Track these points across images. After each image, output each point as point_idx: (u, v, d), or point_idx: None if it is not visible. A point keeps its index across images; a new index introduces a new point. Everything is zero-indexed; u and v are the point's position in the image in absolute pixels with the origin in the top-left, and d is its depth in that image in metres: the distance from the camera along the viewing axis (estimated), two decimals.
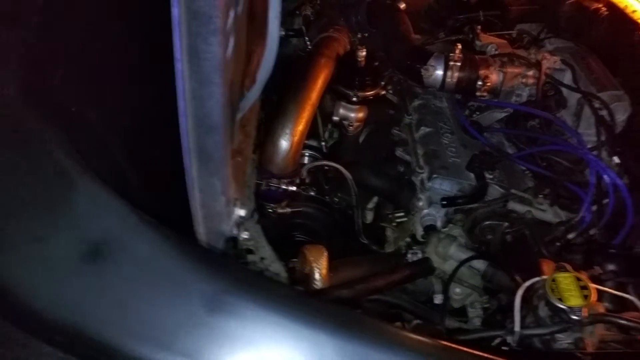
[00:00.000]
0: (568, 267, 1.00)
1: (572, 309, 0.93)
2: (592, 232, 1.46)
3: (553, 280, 0.95)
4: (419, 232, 1.62)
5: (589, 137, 1.63)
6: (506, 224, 1.55)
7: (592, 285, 0.95)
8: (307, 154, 1.92)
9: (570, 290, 0.93)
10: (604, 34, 1.85)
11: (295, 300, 0.49)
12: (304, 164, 1.78)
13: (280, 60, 2.13)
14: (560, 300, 0.94)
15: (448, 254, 1.44)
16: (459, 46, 1.75)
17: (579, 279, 0.95)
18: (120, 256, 0.50)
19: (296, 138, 1.59)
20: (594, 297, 0.93)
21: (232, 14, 0.76)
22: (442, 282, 1.50)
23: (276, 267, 1.01)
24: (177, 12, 0.59)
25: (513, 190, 1.53)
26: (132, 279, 0.49)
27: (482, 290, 1.49)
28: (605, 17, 1.84)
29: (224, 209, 0.72)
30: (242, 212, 0.83)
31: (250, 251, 0.97)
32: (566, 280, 0.95)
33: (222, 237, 0.79)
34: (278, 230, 1.73)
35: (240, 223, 0.92)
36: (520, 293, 1.00)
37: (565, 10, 1.96)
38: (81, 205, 0.51)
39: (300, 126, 1.59)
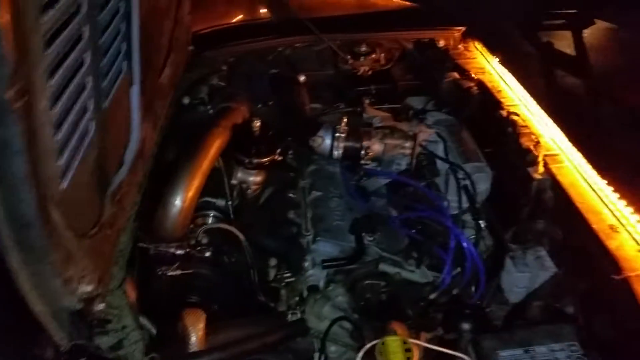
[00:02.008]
0: (400, 329, 1.13)
1: None
2: (454, 291, 1.62)
3: (383, 343, 1.07)
4: (304, 292, 1.73)
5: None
6: (383, 283, 1.69)
7: (416, 347, 1.07)
8: (211, 215, 1.99)
9: (396, 353, 1.05)
10: (476, 109, 2.07)
11: None
12: (200, 226, 1.85)
13: (187, 126, 2.24)
14: None
15: (322, 314, 1.55)
16: (345, 119, 1.92)
17: (405, 342, 1.07)
18: None
19: (186, 204, 1.69)
20: (415, 358, 1.06)
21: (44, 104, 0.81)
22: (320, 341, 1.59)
23: (135, 336, 1.08)
24: None
25: (384, 254, 1.68)
26: None
27: (357, 349, 1.60)
28: (477, 95, 2.07)
29: (61, 289, 0.80)
30: (88, 288, 0.91)
31: (107, 321, 1.04)
32: (394, 344, 1.07)
33: (66, 311, 0.86)
34: (172, 292, 1.79)
35: (96, 296, 1.00)
36: (360, 355, 1.11)
37: (444, 87, 2.19)
38: None
39: (191, 192, 1.70)
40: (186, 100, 2.15)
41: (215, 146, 1.80)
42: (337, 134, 1.91)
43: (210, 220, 1.97)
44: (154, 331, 1.61)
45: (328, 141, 1.93)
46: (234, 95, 2.17)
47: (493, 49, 2.31)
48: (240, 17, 2.48)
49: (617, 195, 1.45)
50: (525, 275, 1.46)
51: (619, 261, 1.27)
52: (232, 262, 1.94)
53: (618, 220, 1.38)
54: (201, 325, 1.40)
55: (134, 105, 1.06)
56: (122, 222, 1.24)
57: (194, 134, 1.87)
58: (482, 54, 2.33)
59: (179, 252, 1.68)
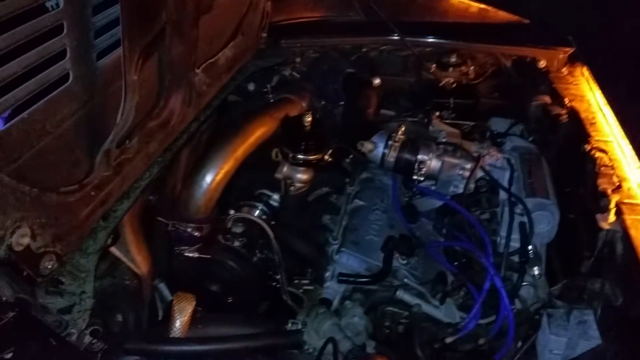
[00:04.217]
0: None
1: None
2: (481, 341, 1.38)
3: None
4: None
5: (513, 241, 1.54)
6: (406, 313, 1.50)
7: None
8: (259, 207, 1.91)
9: None
10: (561, 139, 1.79)
11: None
12: (230, 214, 1.77)
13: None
14: None
15: (321, 330, 1.40)
16: (402, 128, 1.75)
17: None
18: None
19: (212, 186, 1.63)
20: None
21: None
22: None
23: (88, 304, 1.03)
24: None
25: (406, 280, 1.48)
26: None
27: None
28: (565, 124, 1.78)
29: None
30: (23, 240, 0.88)
31: (60, 282, 1.01)
32: None
33: None
34: (191, 275, 1.74)
35: (45, 252, 0.97)
36: None
37: (531, 111, 1.92)
38: None
39: (219, 177, 1.64)
40: (252, 87, 2.11)
41: (255, 134, 1.74)
42: (390, 142, 1.74)
43: (257, 212, 1.89)
44: (169, 298, 1.58)
45: (381, 149, 1.77)
46: (298, 89, 2.10)
47: (601, 77, 1.98)
48: (325, 13, 2.39)
49: None
50: (561, 339, 1.19)
51: None
52: (262, 258, 1.85)
53: None
54: (189, 312, 1.33)
55: (123, 69, 1.02)
56: (117, 188, 1.21)
57: (238, 119, 1.82)
58: (587, 80, 2.00)
59: (196, 233, 1.63)
